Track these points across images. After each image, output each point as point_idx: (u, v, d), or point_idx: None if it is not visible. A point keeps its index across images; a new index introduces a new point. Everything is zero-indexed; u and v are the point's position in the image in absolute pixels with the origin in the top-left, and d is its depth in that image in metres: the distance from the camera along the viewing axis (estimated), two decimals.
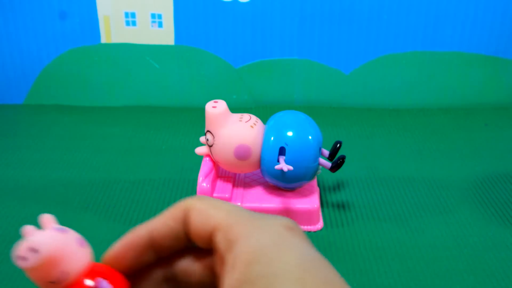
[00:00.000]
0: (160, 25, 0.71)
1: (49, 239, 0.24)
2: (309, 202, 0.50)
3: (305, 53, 0.73)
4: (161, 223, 0.26)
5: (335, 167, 0.49)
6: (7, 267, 0.45)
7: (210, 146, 0.50)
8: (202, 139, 0.52)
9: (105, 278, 0.25)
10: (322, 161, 0.49)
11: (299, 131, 0.48)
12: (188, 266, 0.28)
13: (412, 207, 0.53)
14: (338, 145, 0.50)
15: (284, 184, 0.50)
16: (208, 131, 0.49)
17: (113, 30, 0.72)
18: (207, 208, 0.25)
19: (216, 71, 0.74)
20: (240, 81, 0.74)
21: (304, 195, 0.51)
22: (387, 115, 0.73)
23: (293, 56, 0.73)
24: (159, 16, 0.71)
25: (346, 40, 0.72)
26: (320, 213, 0.52)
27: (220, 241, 0.24)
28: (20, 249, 0.23)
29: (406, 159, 0.62)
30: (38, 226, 0.25)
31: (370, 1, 0.70)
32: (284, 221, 0.24)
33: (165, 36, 0.72)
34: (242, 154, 0.48)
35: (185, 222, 0.26)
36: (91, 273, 0.25)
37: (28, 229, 0.24)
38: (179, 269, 0.28)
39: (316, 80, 0.74)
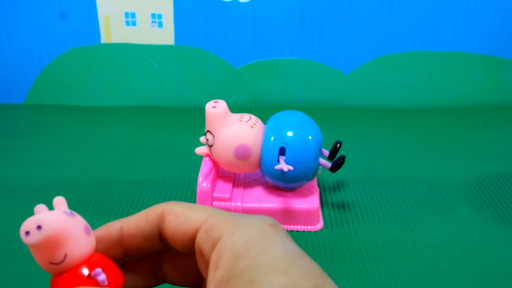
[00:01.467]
0: (160, 25, 0.71)
1: (56, 219, 0.24)
2: (309, 202, 0.50)
3: (305, 53, 0.73)
4: (132, 223, 0.27)
5: (335, 167, 0.49)
6: (8, 267, 0.45)
7: (210, 146, 0.50)
8: (202, 139, 0.52)
9: (104, 269, 0.25)
10: (322, 161, 0.49)
11: (299, 131, 0.48)
12: (175, 262, 0.28)
13: (412, 207, 0.53)
14: (338, 145, 0.50)
15: (284, 184, 0.50)
16: (208, 131, 0.49)
17: (113, 30, 0.72)
18: (185, 211, 0.26)
19: (216, 71, 0.74)
20: (240, 81, 0.74)
21: (304, 195, 0.51)
22: (387, 115, 0.73)
23: (293, 56, 0.73)
24: (159, 16, 0.71)
25: (346, 40, 0.72)
26: (320, 213, 0.52)
27: (202, 240, 0.24)
28: (26, 224, 0.23)
29: (406, 159, 0.62)
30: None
31: (370, 1, 0.70)
32: (266, 219, 0.25)
33: (165, 36, 0.72)
34: (242, 154, 0.48)
35: (159, 226, 0.26)
36: (91, 262, 0.25)
37: (39, 207, 0.25)
38: (166, 264, 0.28)
39: (316, 80, 0.74)
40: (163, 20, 0.71)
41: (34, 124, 0.70)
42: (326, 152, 0.51)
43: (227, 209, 0.50)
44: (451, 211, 0.53)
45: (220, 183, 0.52)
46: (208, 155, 0.51)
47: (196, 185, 0.51)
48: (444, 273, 0.45)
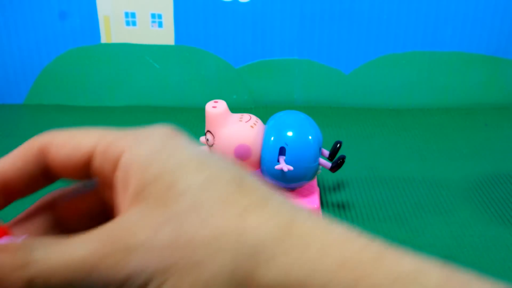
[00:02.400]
0: (160, 25, 0.71)
1: None
2: (309, 202, 0.50)
3: (305, 53, 0.73)
4: (8, 165, 0.24)
5: (335, 167, 0.49)
6: None
7: (210, 146, 0.50)
8: (202, 139, 0.52)
9: None
10: (322, 161, 0.49)
11: (299, 131, 0.48)
12: (73, 206, 0.26)
13: (412, 207, 0.53)
14: (338, 145, 0.50)
15: (284, 184, 0.50)
16: (208, 131, 0.49)
17: (113, 30, 0.72)
18: (71, 138, 0.23)
19: (216, 71, 0.74)
20: (240, 81, 0.74)
21: (304, 195, 0.51)
22: (387, 115, 0.73)
23: (293, 56, 0.73)
24: (159, 16, 0.71)
25: (346, 40, 0.72)
26: (320, 213, 0.52)
27: (101, 164, 0.22)
28: None
29: (406, 159, 0.62)
30: None
31: (370, 1, 0.70)
32: (168, 126, 0.23)
33: (165, 36, 0.72)
34: (242, 154, 0.48)
35: (42, 162, 0.24)
36: None
37: None
38: (63, 213, 0.26)
39: (316, 80, 0.74)
40: (163, 20, 0.71)
41: (34, 124, 0.70)
42: (326, 152, 0.51)
43: None
44: (451, 211, 0.53)
45: None
46: None
47: None
48: None
